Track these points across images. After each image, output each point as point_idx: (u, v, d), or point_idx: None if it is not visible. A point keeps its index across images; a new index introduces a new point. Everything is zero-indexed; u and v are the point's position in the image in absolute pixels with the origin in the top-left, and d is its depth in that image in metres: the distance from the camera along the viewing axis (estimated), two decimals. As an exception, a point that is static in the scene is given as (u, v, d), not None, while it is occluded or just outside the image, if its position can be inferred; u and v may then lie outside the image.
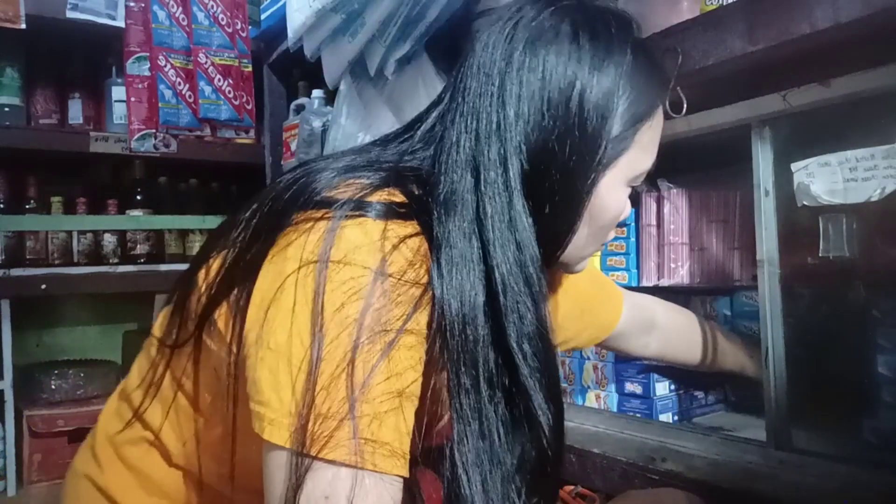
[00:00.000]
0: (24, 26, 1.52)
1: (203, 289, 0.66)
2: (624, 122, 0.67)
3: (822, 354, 0.98)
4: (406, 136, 0.72)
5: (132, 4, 1.74)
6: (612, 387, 1.28)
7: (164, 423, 0.71)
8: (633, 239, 1.28)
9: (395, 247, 0.58)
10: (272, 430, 0.54)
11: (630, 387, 1.24)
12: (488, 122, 0.64)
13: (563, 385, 1.39)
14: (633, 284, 1.27)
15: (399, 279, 0.57)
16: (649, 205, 1.26)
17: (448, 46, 1.51)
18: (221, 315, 0.64)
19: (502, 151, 0.63)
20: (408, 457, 0.57)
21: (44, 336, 2.04)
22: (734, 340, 1.14)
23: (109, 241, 2.05)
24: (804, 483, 0.89)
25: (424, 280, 0.59)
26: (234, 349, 0.60)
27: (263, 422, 0.55)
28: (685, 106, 0.98)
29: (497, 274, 0.61)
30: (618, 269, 1.29)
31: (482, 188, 0.62)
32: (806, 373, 0.97)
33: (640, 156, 0.70)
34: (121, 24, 1.72)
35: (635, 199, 1.28)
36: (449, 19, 1.34)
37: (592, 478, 1.09)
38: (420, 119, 0.73)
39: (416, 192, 0.65)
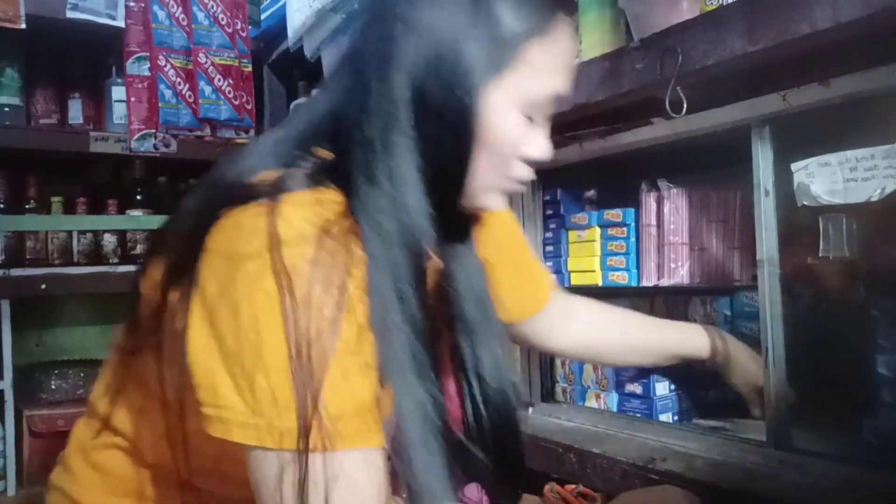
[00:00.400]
0: (24, 26, 1.52)
1: (149, 295, 0.65)
2: (505, 33, 0.63)
3: (822, 354, 0.98)
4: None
5: (132, 4, 1.74)
6: (612, 387, 1.28)
7: (134, 426, 0.70)
8: (633, 239, 1.28)
9: (324, 229, 0.57)
10: (243, 433, 0.54)
11: (630, 387, 1.24)
12: (375, 48, 0.64)
13: (564, 385, 1.39)
14: (633, 284, 1.27)
15: (333, 258, 0.57)
16: (649, 205, 1.26)
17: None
18: (171, 317, 0.62)
19: (389, 77, 0.62)
20: (380, 426, 0.57)
21: (44, 336, 2.04)
22: (673, 327, 1.09)
23: (109, 241, 2.05)
24: (804, 483, 0.89)
25: (356, 254, 0.59)
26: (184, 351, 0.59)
27: (231, 426, 0.55)
28: (685, 106, 0.98)
29: (410, 229, 0.62)
30: (618, 269, 1.29)
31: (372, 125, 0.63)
32: (806, 373, 0.97)
33: (532, 78, 0.65)
34: (121, 24, 1.72)
35: (635, 199, 1.28)
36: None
37: (592, 478, 1.09)
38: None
39: (330, 161, 0.65)
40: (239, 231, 0.57)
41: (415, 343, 0.61)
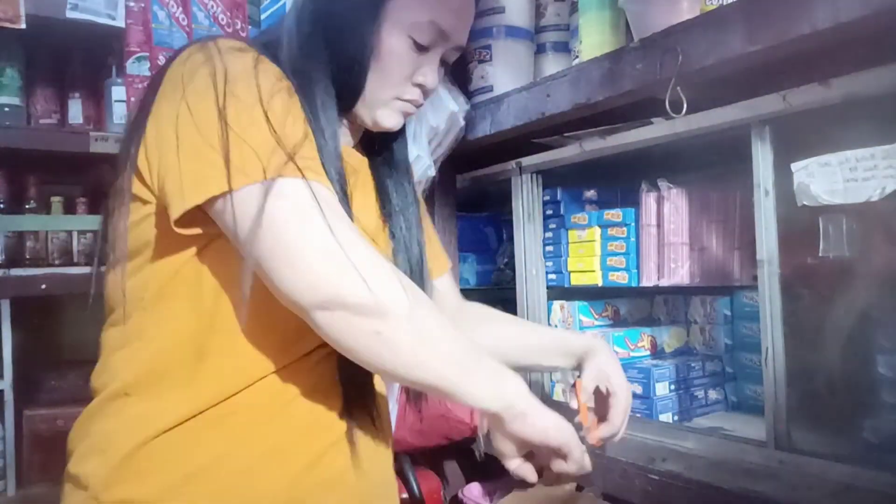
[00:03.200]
0: (24, 26, 1.51)
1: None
2: None
3: (822, 354, 0.98)
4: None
5: (132, 4, 1.74)
6: (612, 387, 1.28)
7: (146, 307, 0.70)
8: (633, 239, 1.28)
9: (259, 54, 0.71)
10: (216, 184, 0.62)
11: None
12: None
13: (564, 385, 1.39)
14: (634, 284, 1.27)
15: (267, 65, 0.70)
16: (649, 205, 1.26)
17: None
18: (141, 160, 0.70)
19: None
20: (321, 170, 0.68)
21: (44, 336, 2.03)
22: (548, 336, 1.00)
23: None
24: (804, 483, 0.89)
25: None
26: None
27: (202, 187, 0.62)
28: (685, 106, 0.98)
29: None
30: (618, 269, 1.29)
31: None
32: (806, 373, 0.97)
33: (411, 5, 0.75)
34: (121, 24, 1.72)
35: (635, 199, 1.28)
36: (449, 19, 1.34)
37: (593, 478, 1.09)
38: None
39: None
40: (182, 60, 0.69)
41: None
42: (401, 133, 0.89)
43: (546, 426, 0.69)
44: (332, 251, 0.62)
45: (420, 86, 0.79)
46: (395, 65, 0.77)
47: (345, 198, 0.72)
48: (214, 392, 0.69)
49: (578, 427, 0.76)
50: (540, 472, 0.73)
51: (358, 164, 0.84)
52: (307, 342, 0.72)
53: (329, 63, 0.76)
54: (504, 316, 1.01)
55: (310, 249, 0.62)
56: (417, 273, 0.86)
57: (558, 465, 0.71)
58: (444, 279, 0.99)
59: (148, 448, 0.67)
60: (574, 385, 0.85)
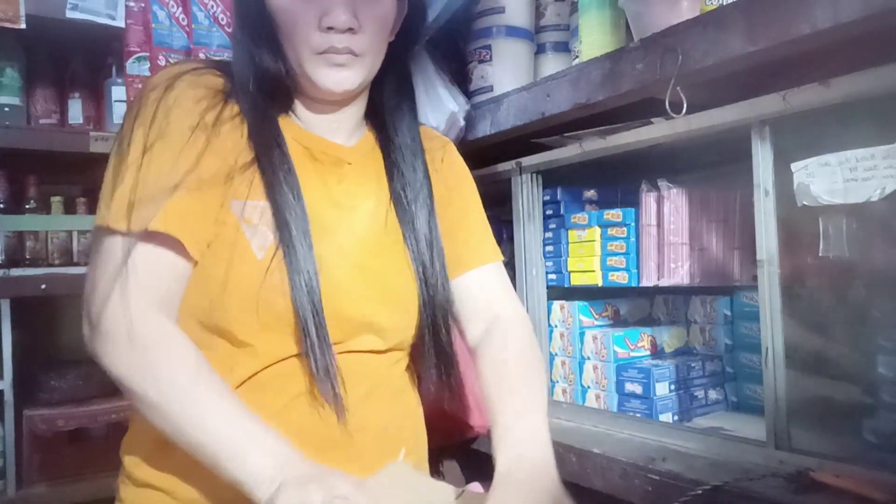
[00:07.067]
0: (24, 26, 1.51)
1: None
2: None
3: (822, 354, 0.98)
4: None
5: (132, 4, 1.74)
6: (612, 387, 1.28)
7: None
8: (633, 239, 1.27)
9: (193, 71, 0.79)
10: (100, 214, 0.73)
11: (630, 387, 1.24)
12: None
13: (564, 385, 1.39)
14: (633, 284, 1.27)
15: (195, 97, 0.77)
16: (649, 205, 1.26)
17: (448, 46, 1.51)
18: None
19: None
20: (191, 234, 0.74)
21: (44, 336, 2.03)
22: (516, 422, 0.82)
23: (109, 241, 2.05)
24: (804, 483, 0.89)
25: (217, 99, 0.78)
26: None
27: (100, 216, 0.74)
28: (685, 106, 0.98)
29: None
30: (618, 270, 1.29)
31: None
32: (806, 373, 0.97)
33: None
34: (121, 24, 1.72)
35: (635, 199, 1.28)
36: (449, 19, 1.34)
37: (593, 478, 1.09)
38: None
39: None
40: (140, 91, 0.79)
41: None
42: (407, 114, 0.91)
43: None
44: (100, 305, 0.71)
45: (332, 28, 0.77)
46: (291, 20, 0.78)
47: (286, 187, 0.78)
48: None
49: None
50: None
51: (349, 155, 0.86)
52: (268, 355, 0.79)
53: (256, 58, 0.80)
54: (506, 371, 0.87)
55: (91, 301, 0.72)
56: (429, 256, 0.86)
57: None
58: (483, 272, 0.93)
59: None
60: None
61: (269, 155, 0.78)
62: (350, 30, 0.77)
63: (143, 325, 0.70)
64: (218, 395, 0.70)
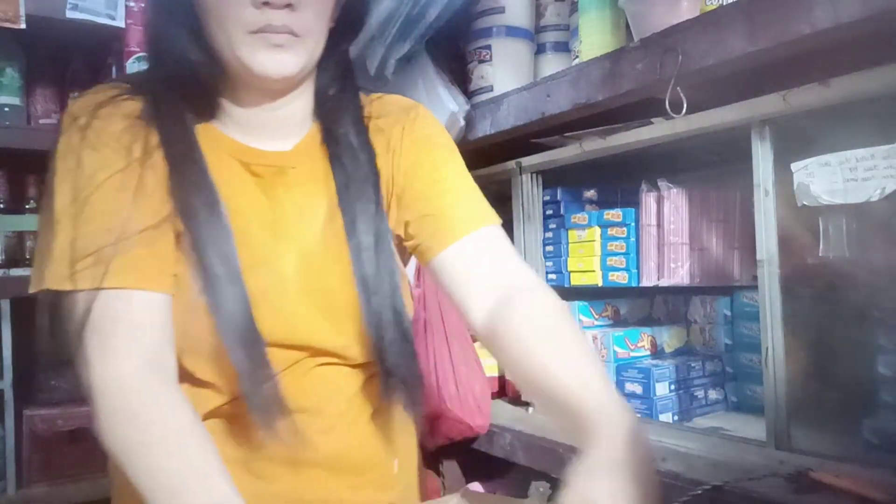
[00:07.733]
0: (24, 26, 1.51)
1: None
2: None
3: (822, 354, 0.98)
4: None
5: (132, 4, 1.73)
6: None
7: None
8: (633, 239, 1.28)
9: (111, 101, 0.74)
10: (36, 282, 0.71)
11: (630, 387, 1.24)
12: None
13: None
14: (634, 284, 1.27)
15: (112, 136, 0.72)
16: (649, 205, 1.26)
17: (448, 46, 1.51)
18: None
19: None
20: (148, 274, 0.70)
21: (44, 336, 2.03)
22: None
23: (109, 241, 2.04)
24: (804, 483, 0.89)
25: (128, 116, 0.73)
26: None
27: (39, 277, 0.72)
28: (685, 106, 0.98)
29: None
30: (618, 269, 1.29)
31: None
32: (806, 373, 0.97)
33: None
34: (121, 24, 1.72)
35: (635, 199, 1.28)
36: (449, 19, 1.34)
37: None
38: None
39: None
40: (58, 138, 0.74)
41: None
42: (349, 104, 0.83)
43: None
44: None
45: (267, 3, 0.68)
46: None
47: (211, 200, 0.73)
48: None
49: None
50: None
51: (291, 159, 0.79)
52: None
53: (176, 48, 0.73)
54: (556, 332, 0.73)
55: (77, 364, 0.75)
56: (373, 264, 0.78)
57: None
58: (476, 239, 0.79)
59: None
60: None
61: (180, 170, 0.72)
62: (288, 6, 0.69)
63: (127, 395, 0.69)
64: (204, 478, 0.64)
